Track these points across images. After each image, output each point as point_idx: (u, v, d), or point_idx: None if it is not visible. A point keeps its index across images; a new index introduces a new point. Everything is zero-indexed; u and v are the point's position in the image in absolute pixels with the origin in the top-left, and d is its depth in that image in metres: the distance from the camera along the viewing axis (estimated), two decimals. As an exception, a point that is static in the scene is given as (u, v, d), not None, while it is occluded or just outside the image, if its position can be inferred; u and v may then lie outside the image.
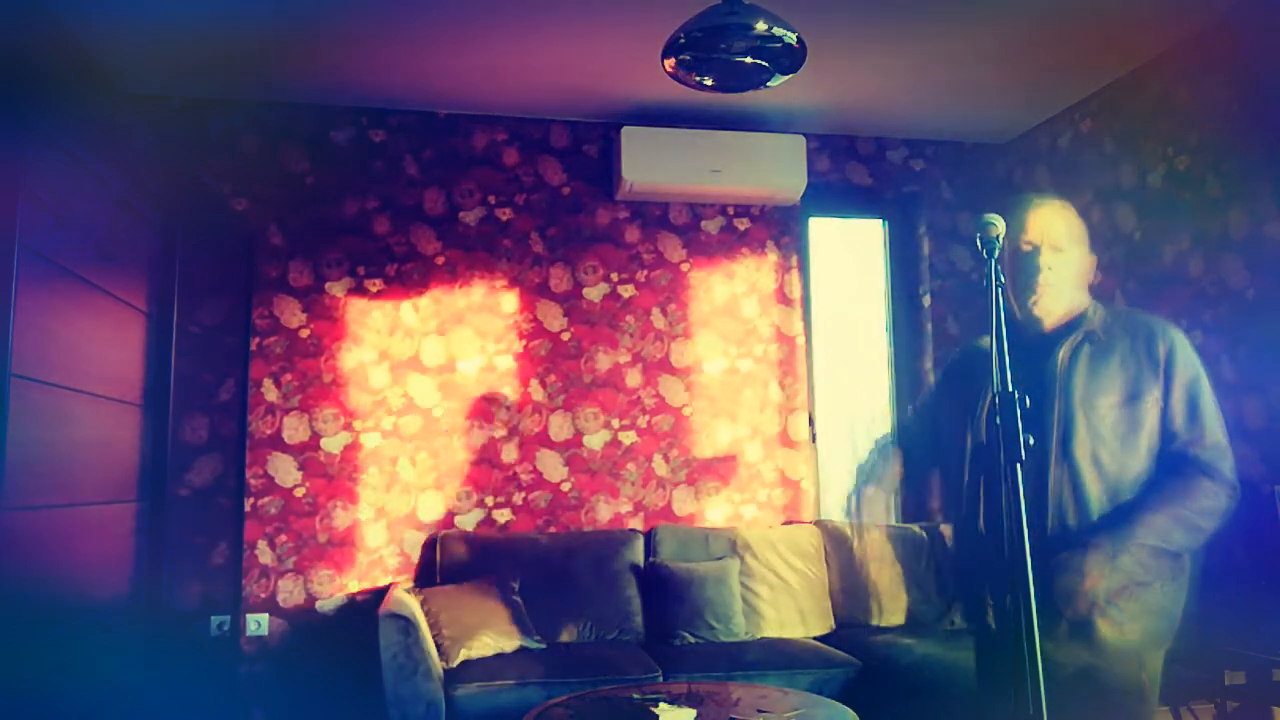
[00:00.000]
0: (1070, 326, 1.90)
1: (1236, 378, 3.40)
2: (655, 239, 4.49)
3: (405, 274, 4.24)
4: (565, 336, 4.35)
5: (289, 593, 3.98)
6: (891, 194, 4.72)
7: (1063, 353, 1.86)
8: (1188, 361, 1.84)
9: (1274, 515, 3.15)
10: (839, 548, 4.18)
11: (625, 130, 4.22)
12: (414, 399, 4.17)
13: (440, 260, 4.28)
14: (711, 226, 4.55)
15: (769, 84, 2.82)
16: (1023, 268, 1.90)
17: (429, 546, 4.08)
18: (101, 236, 3.24)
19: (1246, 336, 3.38)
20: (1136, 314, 1.94)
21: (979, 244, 1.57)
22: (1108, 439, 1.78)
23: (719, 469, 4.41)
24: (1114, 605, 1.72)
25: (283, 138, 4.19)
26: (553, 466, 4.27)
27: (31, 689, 2.60)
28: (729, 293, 4.52)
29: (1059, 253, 1.89)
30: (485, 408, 4.23)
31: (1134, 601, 1.74)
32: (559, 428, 4.29)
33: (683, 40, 2.62)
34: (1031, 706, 1.32)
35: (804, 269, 4.62)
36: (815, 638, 3.96)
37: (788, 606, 4.02)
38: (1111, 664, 1.75)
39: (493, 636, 3.53)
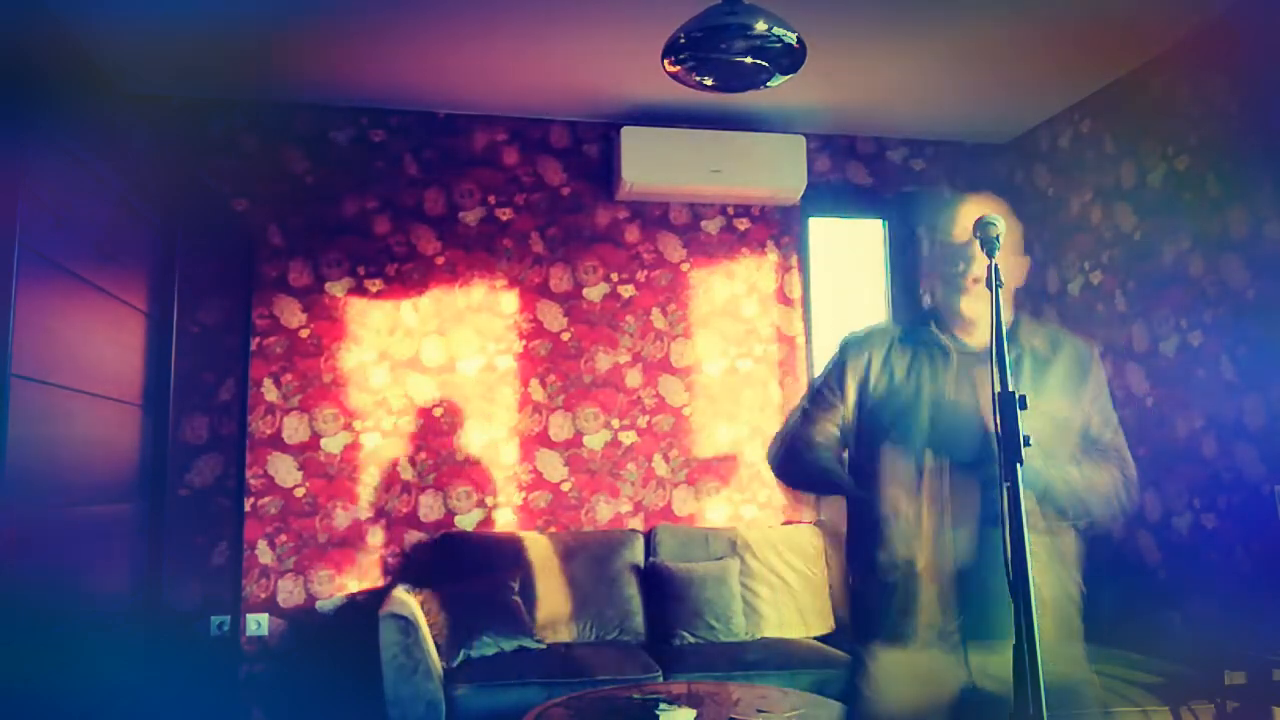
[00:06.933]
0: (1010, 336, 1.81)
1: (1236, 378, 3.40)
2: (655, 239, 4.49)
3: (405, 274, 4.24)
4: (565, 336, 4.35)
5: (289, 593, 3.98)
6: (891, 194, 4.72)
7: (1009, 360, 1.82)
8: (1104, 377, 1.90)
9: (1274, 515, 3.16)
10: (839, 548, 4.18)
11: (625, 130, 4.22)
12: (414, 399, 4.17)
13: (440, 260, 4.28)
14: (711, 226, 4.55)
15: (769, 84, 2.82)
16: (953, 262, 1.79)
17: (429, 546, 4.08)
18: (101, 236, 3.24)
19: (1246, 336, 3.38)
20: (1061, 331, 1.90)
21: (979, 244, 1.56)
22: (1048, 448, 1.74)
23: (719, 469, 4.41)
24: None
25: (283, 138, 4.19)
26: (553, 466, 4.27)
27: (32, 689, 2.60)
28: (729, 293, 4.52)
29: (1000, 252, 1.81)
30: (484, 408, 4.23)
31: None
32: (559, 428, 4.30)
33: (683, 40, 2.62)
34: (1032, 706, 1.32)
35: (804, 269, 4.62)
36: (815, 638, 3.96)
37: (788, 606, 4.02)
38: None
39: (492, 636, 3.53)
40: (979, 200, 1.84)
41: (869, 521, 1.83)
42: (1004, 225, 1.55)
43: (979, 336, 1.82)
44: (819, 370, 2.09)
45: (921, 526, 1.74)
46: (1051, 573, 1.74)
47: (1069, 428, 1.82)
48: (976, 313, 1.79)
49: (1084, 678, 1.79)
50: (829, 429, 1.90)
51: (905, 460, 1.76)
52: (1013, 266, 1.82)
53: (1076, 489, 1.75)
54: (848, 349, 1.92)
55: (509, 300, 4.32)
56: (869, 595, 1.83)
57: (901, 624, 1.76)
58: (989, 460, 1.70)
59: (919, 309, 1.95)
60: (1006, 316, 1.85)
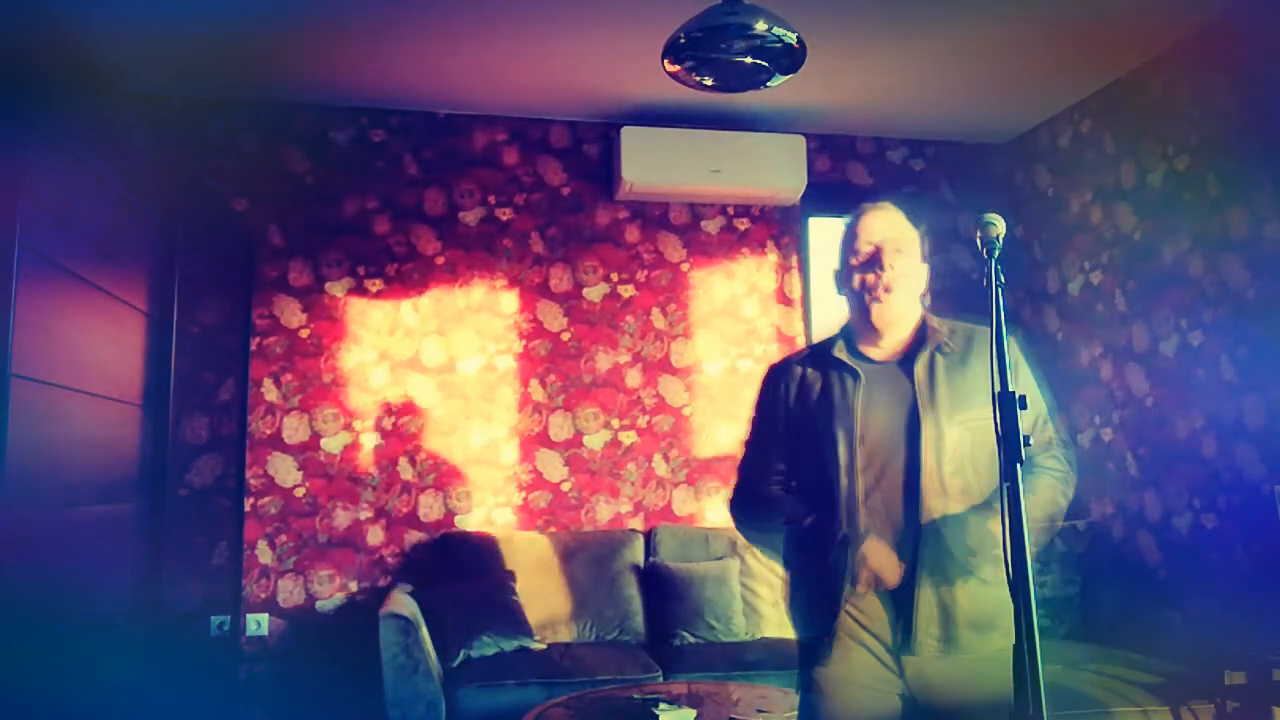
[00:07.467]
0: (919, 338, 1.82)
1: (1236, 378, 3.40)
2: (655, 239, 4.49)
3: (405, 274, 4.24)
4: (565, 336, 4.35)
5: (289, 593, 3.98)
6: (891, 194, 4.72)
7: (919, 367, 1.77)
8: (1030, 369, 1.85)
9: (1274, 515, 3.16)
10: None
11: (625, 130, 4.22)
12: (414, 399, 4.17)
13: (440, 260, 4.28)
14: (711, 226, 4.55)
15: (769, 84, 2.82)
16: (862, 272, 1.80)
17: (429, 546, 4.08)
18: (101, 236, 3.24)
19: (1246, 336, 3.38)
20: (975, 328, 1.86)
21: (979, 244, 1.56)
22: (973, 453, 1.72)
23: (719, 469, 4.40)
24: None
25: (283, 138, 4.19)
26: (553, 466, 4.27)
27: (32, 689, 2.60)
28: (729, 293, 4.52)
29: (900, 255, 1.81)
30: (486, 408, 4.24)
31: None
32: (559, 428, 4.29)
33: (683, 40, 2.62)
34: (1032, 707, 1.32)
35: (804, 269, 4.62)
36: (815, 638, 3.95)
37: (788, 606, 4.01)
38: None
39: (492, 636, 3.53)
40: (880, 207, 1.86)
41: (804, 543, 1.83)
42: (1002, 225, 1.54)
43: (887, 347, 1.83)
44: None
45: (853, 547, 1.73)
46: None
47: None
48: (887, 321, 1.81)
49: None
50: (773, 462, 1.91)
51: (830, 483, 1.76)
52: (917, 272, 1.85)
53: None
54: (766, 380, 1.94)
55: (509, 300, 4.32)
56: (808, 609, 1.83)
57: (840, 636, 1.75)
58: (912, 473, 1.71)
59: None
60: (914, 318, 1.85)
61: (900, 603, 1.71)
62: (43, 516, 2.78)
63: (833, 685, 1.76)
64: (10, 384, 2.49)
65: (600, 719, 2.77)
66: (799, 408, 1.85)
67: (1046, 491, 1.78)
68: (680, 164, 4.22)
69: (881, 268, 1.80)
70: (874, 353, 1.84)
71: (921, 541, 1.70)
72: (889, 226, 1.84)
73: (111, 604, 3.33)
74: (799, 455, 1.86)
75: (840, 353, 1.85)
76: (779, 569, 4.07)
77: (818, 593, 1.79)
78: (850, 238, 1.85)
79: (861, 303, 1.82)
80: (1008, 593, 1.36)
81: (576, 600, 3.89)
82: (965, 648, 1.68)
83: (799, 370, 1.89)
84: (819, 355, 1.89)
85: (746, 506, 2.00)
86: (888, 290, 1.79)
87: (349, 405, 4.12)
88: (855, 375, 1.81)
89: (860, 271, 1.82)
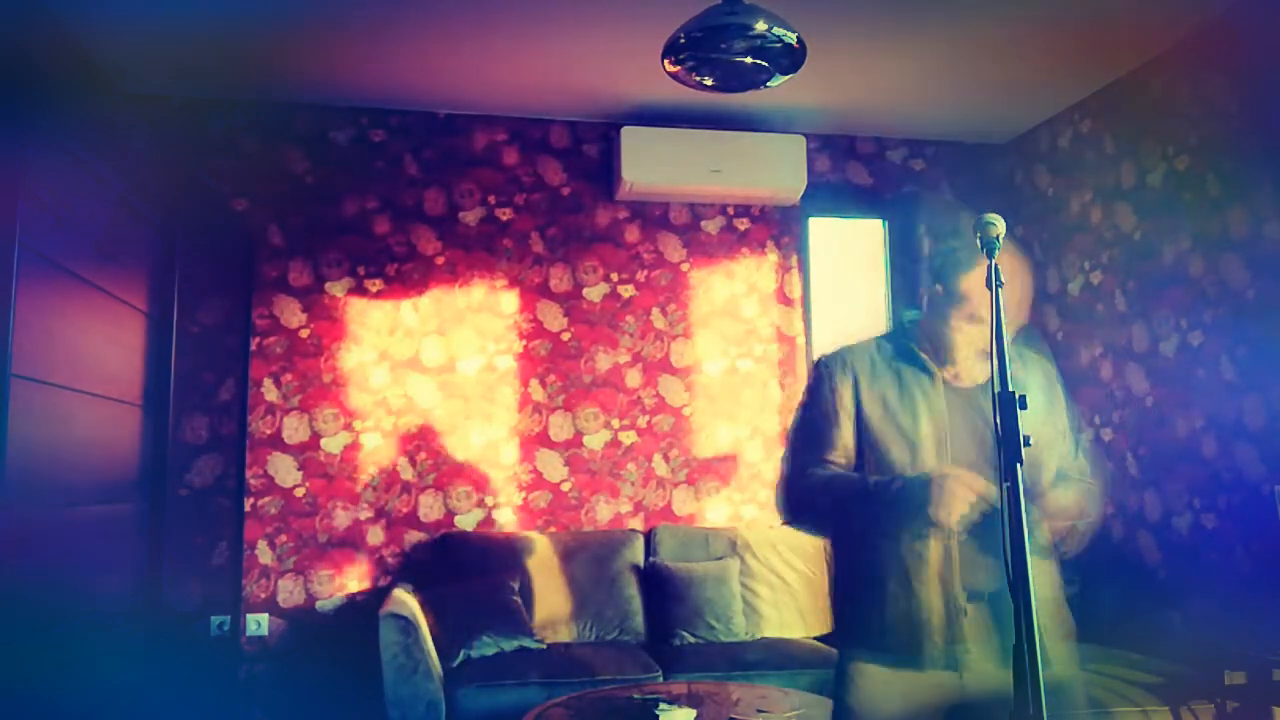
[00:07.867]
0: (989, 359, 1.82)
1: (1236, 378, 3.40)
2: (655, 239, 4.49)
3: (405, 274, 4.24)
4: (565, 336, 4.35)
5: (289, 593, 3.98)
6: (891, 194, 4.72)
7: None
8: (1064, 393, 1.93)
9: (1274, 515, 3.16)
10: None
11: (625, 130, 4.22)
12: (414, 399, 4.17)
13: (440, 260, 4.28)
14: (711, 226, 4.55)
15: (769, 84, 2.82)
16: (973, 311, 1.77)
17: (429, 546, 4.08)
18: (101, 236, 3.24)
19: (1246, 336, 3.38)
20: (1024, 347, 1.87)
21: (979, 244, 1.56)
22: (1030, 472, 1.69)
23: (719, 469, 4.41)
24: None
25: (283, 138, 4.19)
26: (553, 466, 4.27)
27: (32, 689, 2.60)
28: (729, 293, 4.52)
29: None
30: (485, 409, 4.24)
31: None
32: (559, 428, 4.29)
33: (683, 40, 2.62)
34: (1032, 706, 1.32)
35: (804, 269, 4.62)
36: (815, 638, 3.96)
37: (788, 606, 4.02)
38: None
39: (492, 636, 3.53)
40: (1010, 250, 1.71)
41: (870, 540, 1.79)
42: (1002, 225, 1.54)
43: (967, 366, 1.83)
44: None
45: (931, 548, 1.72)
46: (1040, 571, 1.72)
47: (1050, 447, 1.82)
48: (979, 348, 1.80)
49: (1075, 676, 1.78)
50: (834, 455, 1.84)
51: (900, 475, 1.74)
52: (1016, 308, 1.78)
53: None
54: (830, 369, 1.86)
55: (509, 300, 4.32)
56: (863, 608, 1.80)
57: (899, 642, 1.73)
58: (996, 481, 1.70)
59: (919, 309, 1.92)
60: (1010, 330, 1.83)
61: (979, 614, 1.72)
62: (43, 516, 2.78)
63: (882, 695, 1.74)
64: (10, 384, 2.49)
65: (600, 719, 2.78)
66: (875, 400, 1.81)
67: (1075, 497, 1.82)
68: (680, 164, 4.22)
69: (995, 310, 1.76)
70: (954, 366, 1.84)
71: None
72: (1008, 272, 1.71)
73: (111, 604, 3.33)
74: (868, 450, 1.80)
75: (921, 353, 1.84)
76: (779, 569, 4.10)
77: (862, 586, 1.78)
78: (966, 277, 1.79)
79: (955, 326, 1.80)
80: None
81: (576, 600, 3.89)
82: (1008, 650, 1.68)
83: (867, 361, 1.85)
84: (890, 350, 1.87)
85: (809, 500, 1.88)
86: (988, 324, 1.74)
87: (349, 405, 4.12)
88: (932, 376, 1.81)
89: (969, 315, 1.78)
